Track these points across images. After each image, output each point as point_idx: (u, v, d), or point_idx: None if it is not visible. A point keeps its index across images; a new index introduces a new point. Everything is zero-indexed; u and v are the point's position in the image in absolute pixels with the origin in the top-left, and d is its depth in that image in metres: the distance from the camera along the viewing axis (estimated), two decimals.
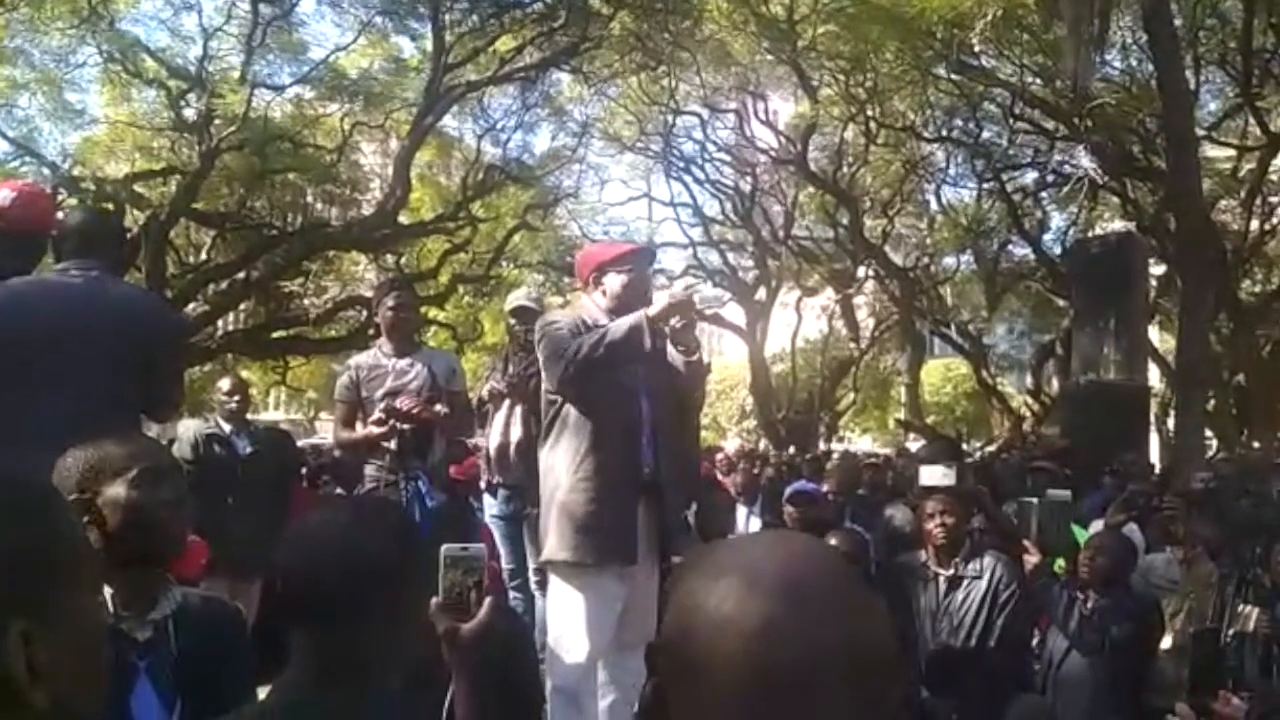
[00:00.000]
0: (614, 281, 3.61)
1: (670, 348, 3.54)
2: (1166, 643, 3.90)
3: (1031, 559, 3.98)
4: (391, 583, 1.51)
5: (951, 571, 3.91)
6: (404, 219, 17.70)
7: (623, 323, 3.41)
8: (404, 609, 1.54)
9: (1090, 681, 3.69)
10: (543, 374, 3.55)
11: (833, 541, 3.46)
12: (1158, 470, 9.01)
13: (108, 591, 1.88)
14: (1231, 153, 17.60)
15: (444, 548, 1.58)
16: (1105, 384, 10.89)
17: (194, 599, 2.06)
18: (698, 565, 0.88)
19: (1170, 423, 19.52)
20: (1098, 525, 4.74)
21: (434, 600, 1.55)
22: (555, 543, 3.46)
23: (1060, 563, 4.19)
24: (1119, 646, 3.68)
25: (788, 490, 5.77)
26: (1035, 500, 4.21)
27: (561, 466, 3.47)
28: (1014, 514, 4.26)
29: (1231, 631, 3.39)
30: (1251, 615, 3.00)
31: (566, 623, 3.45)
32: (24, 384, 2.81)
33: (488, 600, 1.57)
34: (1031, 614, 3.92)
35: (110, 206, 11.84)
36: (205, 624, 2.01)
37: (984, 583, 3.82)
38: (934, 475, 4.00)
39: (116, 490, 1.91)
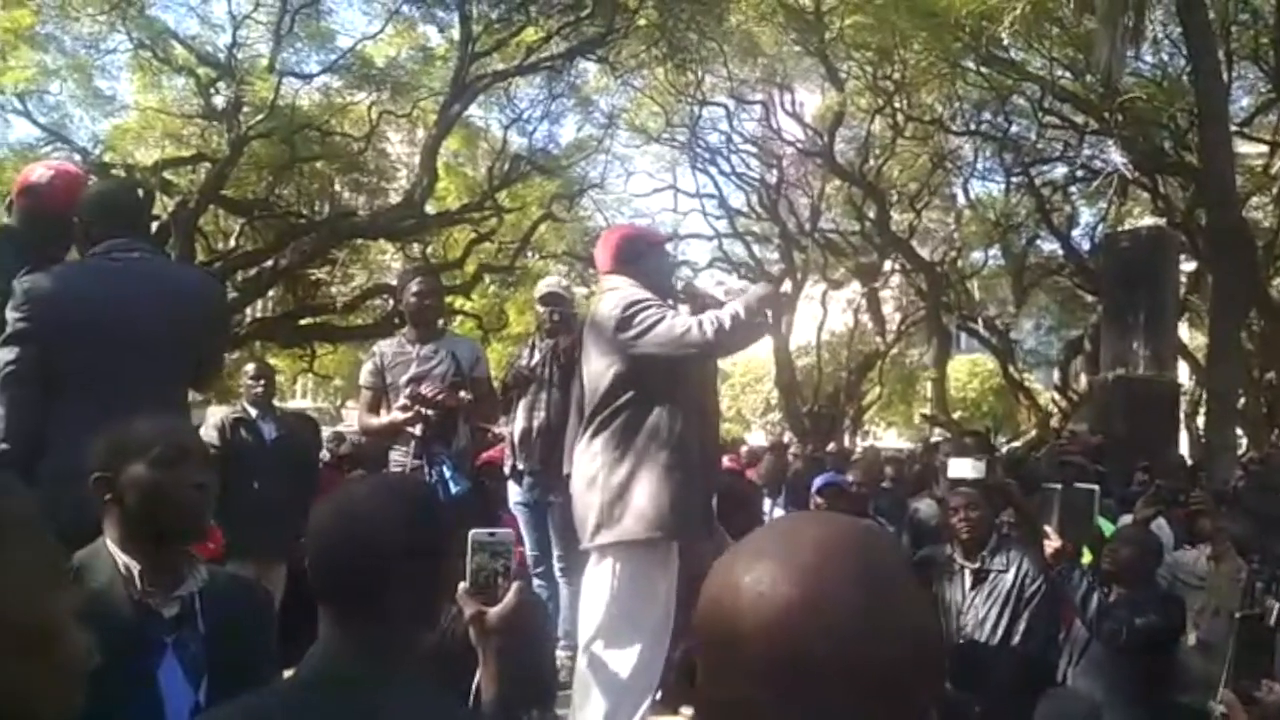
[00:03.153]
0: (645, 265, 3.59)
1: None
2: (1191, 639, 3.86)
3: (1052, 544, 3.93)
4: (420, 560, 1.50)
5: (978, 565, 3.89)
6: (430, 208, 17.74)
7: (750, 301, 3.40)
8: (432, 588, 1.53)
9: (1110, 674, 3.66)
10: (655, 344, 3.35)
11: None
12: (1190, 467, 8.92)
13: (135, 568, 1.89)
14: (1263, 149, 17.38)
15: (471, 532, 1.58)
16: (1135, 380, 10.81)
17: (221, 577, 2.07)
18: (741, 547, 0.88)
19: (1200, 420, 19.39)
20: (1126, 519, 4.69)
21: (461, 584, 1.55)
22: (643, 520, 3.35)
23: (1086, 555, 4.15)
24: (1139, 639, 3.64)
25: (816, 481, 5.74)
26: (1058, 487, 4.17)
27: (634, 451, 3.40)
28: (1037, 502, 4.22)
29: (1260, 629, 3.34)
30: (1274, 609, 2.96)
31: (626, 604, 3.38)
32: (91, 375, 2.77)
33: (515, 585, 1.57)
34: (1055, 606, 3.88)
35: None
36: (232, 602, 2.02)
37: (1010, 576, 3.79)
38: (963, 468, 3.97)
39: (137, 469, 1.92)
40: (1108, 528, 4.52)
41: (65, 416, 2.66)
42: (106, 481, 1.93)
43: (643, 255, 3.62)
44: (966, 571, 3.90)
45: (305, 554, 1.56)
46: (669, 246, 3.78)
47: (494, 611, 1.54)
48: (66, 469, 2.08)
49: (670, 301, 3.56)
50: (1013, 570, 3.81)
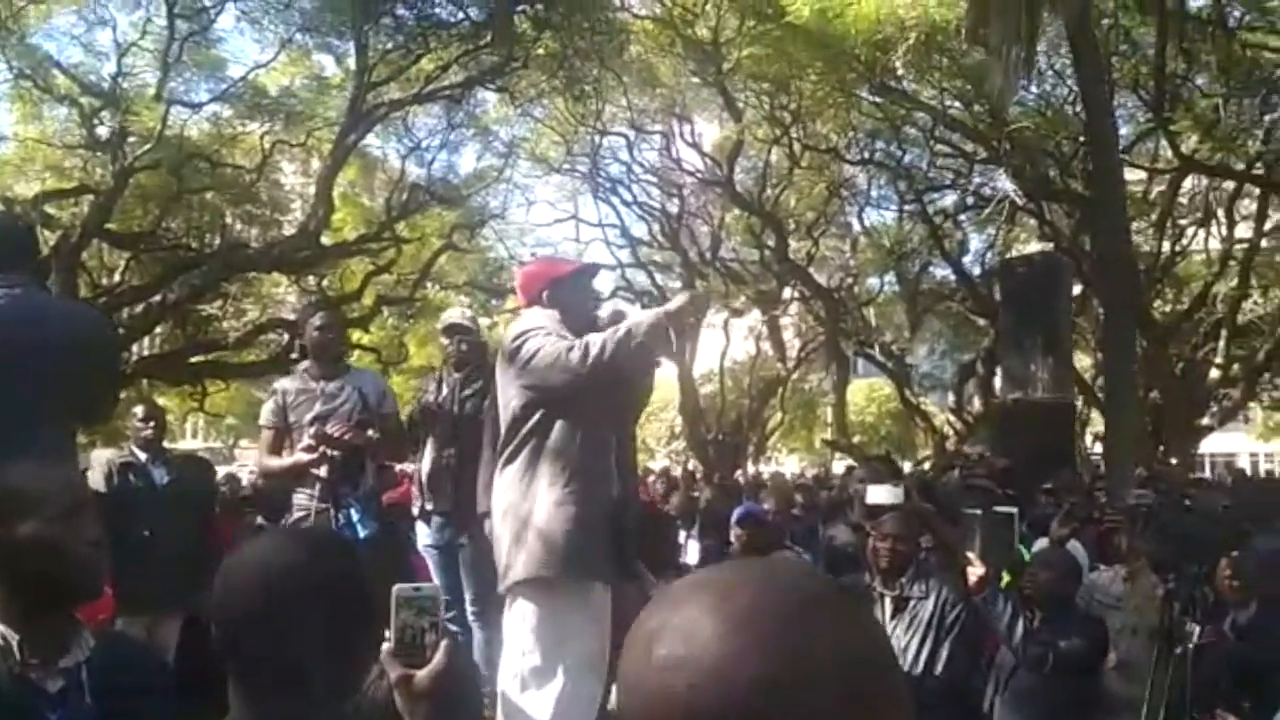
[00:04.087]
0: (565, 298, 3.50)
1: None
2: (1112, 659, 3.91)
3: (975, 571, 3.95)
4: (339, 623, 1.37)
5: (897, 593, 3.86)
6: (326, 240, 17.36)
7: (641, 321, 3.26)
8: (353, 653, 1.40)
9: (1037, 699, 3.67)
10: (540, 375, 3.27)
11: None
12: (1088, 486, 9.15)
13: (14, 638, 1.70)
14: (1142, 176, 18.15)
15: (396, 588, 1.46)
16: (1033, 402, 11.07)
17: (109, 642, 1.88)
18: (658, 602, 0.78)
19: (1088, 439, 20.06)
20: (1042, 543, 4.75)
21: (385, 645, 1.43)
22: (534, 560, 3.25)
23: (1006, 578, 4.17)
24: (1065, 663, 3.66)
25: (737, 512, 5.69)
26: (979, 512, 4.19)
27: (536, 481, 3.30)
28: (961, 529, 4.23)
29: (1179, 650, 3.40)
30: (1194, 632, 3.00)
31: (539, 648, 3.25)
32: None
33: (443, 643, 1.45)
34: (979, 633, 3.89)
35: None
36: (122, 669, 1.83)
37: (930, 604, 3.77)
38: (881, 494, 3.96)
39: (28, 526, 1.73)
40: (1026, 553, 4.57)
41: None
42: None
43: (552, 288, 3.54)
44: (886, 599, 3.87)
45: (205, 607, 1.42)
46: (584, 274, 3.68)
47: (422, 674, 1.41)
48: None
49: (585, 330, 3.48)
50: (933, 597, 3.79)
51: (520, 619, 3.33)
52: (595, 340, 3.22)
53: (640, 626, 0.75)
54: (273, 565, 1.42)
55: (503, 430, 3.43)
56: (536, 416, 3.33)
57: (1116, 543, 4.05)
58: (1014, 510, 4.23)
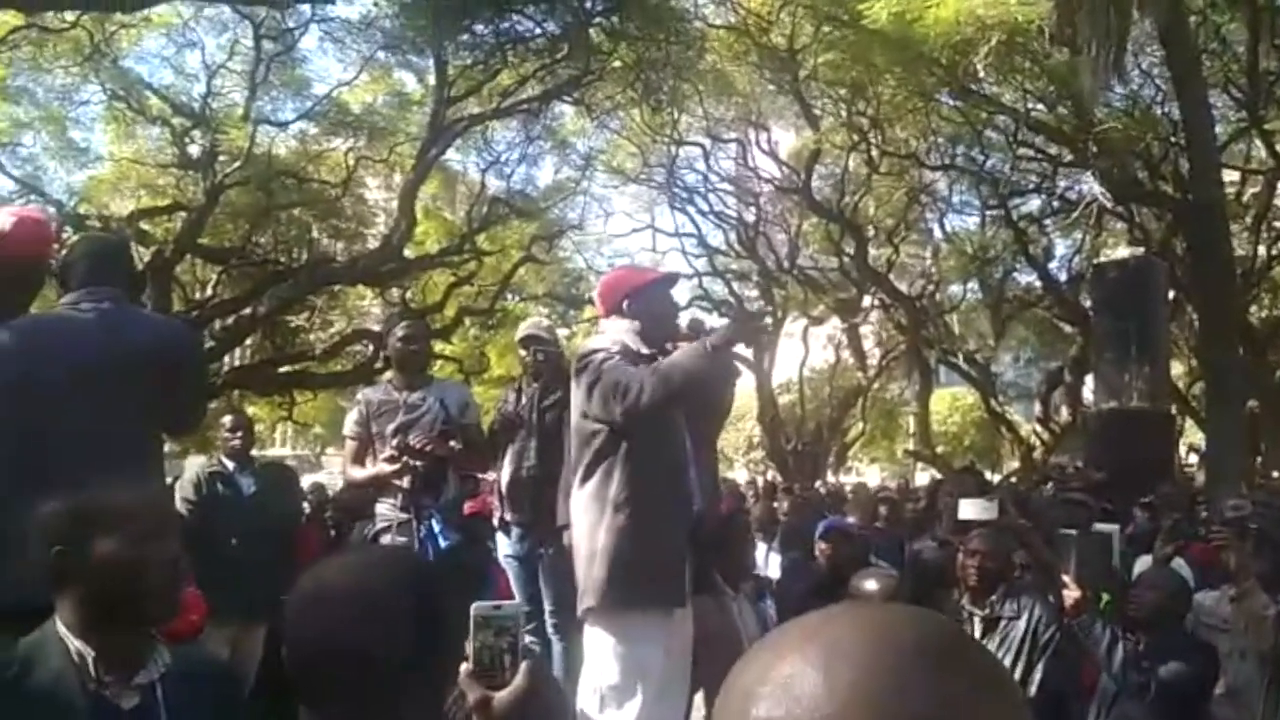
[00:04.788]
0: (644, 308, 3.45)
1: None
2: (1220, 686, 3.71)
3: (1072, 594, 3.79)
4: (416, 652, 1.33)
5: (988, 612, 3.73)
6: (409, 253, 17.64)
7: (685, 356, 3.21)
8: (430, 681, 1.36)
9: None
10: (598, 405, 3.26)
11: (869, 585, 3.27)
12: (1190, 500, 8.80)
13: (89, 654, 1.70)
14: (1235, 177, 17.53)
15: (474, 606, 1.42)
16: (1129, 411, 10.71)
17: (184, 659, 1.86)
18: (757, 654, 0.71)
19: (1181, 450, 19.40)
20: (1146, 561, 4.54)
21: (464, 666, 1.39)
22: (601, 589, 3.22)
23: (1105, 599, 4.00)
24: (1168, 689, 3.48)
25: (822, 525, 5.58)
26: (1074, 532, 4.03)
27: (605, 505, 3.26)
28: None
29: None
30: None
31: (611, 674, 3.22)
32: (43, 431, 2.61)
33: (524, 664, 1.40)
34: (1075, 657, 3.73)
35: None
36: (197, 688, 1.82)
37: (1022, 624, 3.63)
38: (973, 509, 3.83)
39: (108, 544, 1.73)
40: (1124, 572, 4.38)
41: (19, 474, 2.46)
42: (68, 557, 1.74)
43: (632, 298, 3.50)
44: (976, 619, 3.74)
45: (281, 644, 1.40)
46: (664, 283, 3.62)
47: (501, 696, 1.37)
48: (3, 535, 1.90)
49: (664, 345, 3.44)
50: (1024, 617, 3.64)
51: (596, 643, 3.31)
52: (648, 381, 3.16)
53: (737, 680, 0.69)
54: (343, 591, 1.39)
55: (575, 448, 3.41)
56: (604, 435, 3.30)
57: (1224, 559, 3.84)
58: (1114, 528, 4.04)
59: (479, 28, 14.89)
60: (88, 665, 1.71)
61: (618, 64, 15.63)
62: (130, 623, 1.76)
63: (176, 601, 1.86)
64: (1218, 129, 16.71)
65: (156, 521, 1.80)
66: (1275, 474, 15.89)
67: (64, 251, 3.04)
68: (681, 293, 23.74)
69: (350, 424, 4.44)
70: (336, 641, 1.33)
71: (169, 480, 5.45)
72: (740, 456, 31.08)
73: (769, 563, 6.23)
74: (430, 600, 1.41)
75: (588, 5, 14.66)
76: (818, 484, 16.00)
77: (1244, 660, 3.78)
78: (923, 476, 23.05)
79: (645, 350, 3.39)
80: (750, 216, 21.69)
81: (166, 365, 2.87)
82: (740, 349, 3.33)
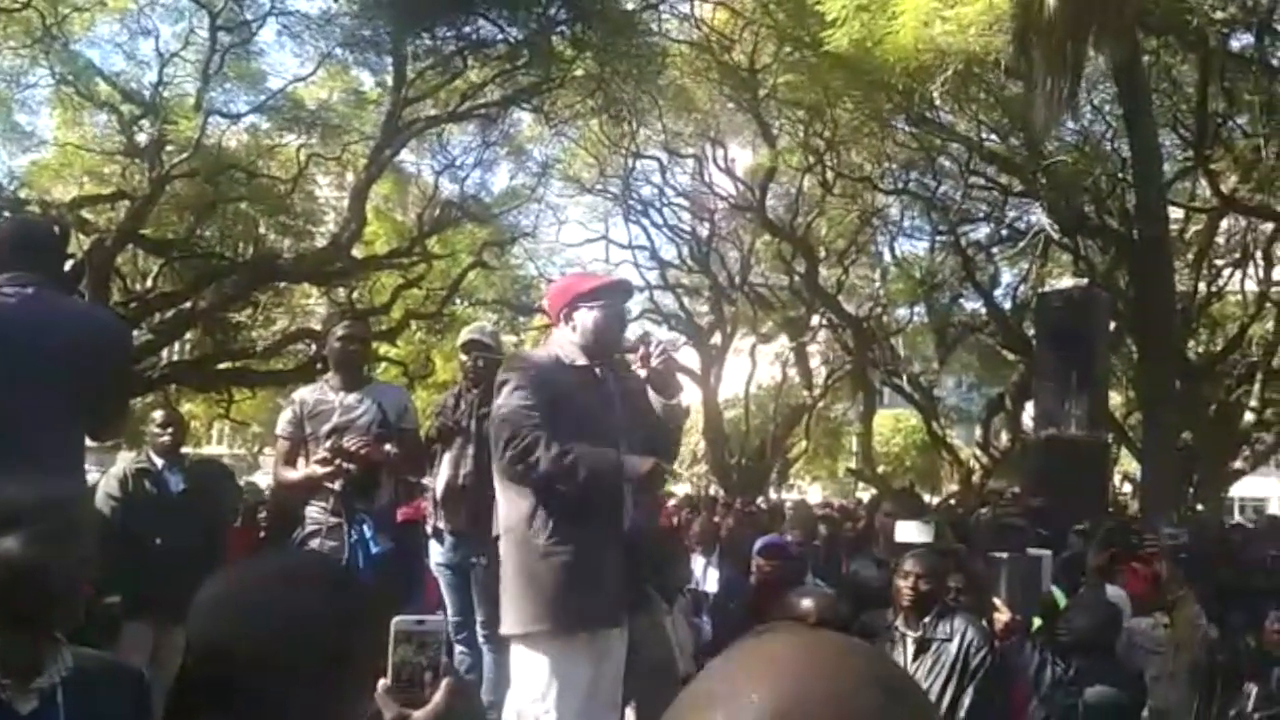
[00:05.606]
0: (587, 317, 3.35)
1: (650, 390, 3.34)
2: (1147, 711, 3.74)
3: (1002, 617, 3.81)
4: (330, 665, 1.27)
5: (921, 633, 3.73)
6: (358, 253, 17.45)
7: (600, 465, 3.13)
8: (343, 695, 1.30)
9: None
10: (494, 444, 3.23)
11: (805, 603, 3.26)
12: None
13: None
14: (1179, 214, 17.92)
15: (395, 621, 1.36)
16: (1067, 439, 10.85)
17: (89, 661, 1.77)
18: (708, 677, 0.69)
19: (1115, 479, 19.74)
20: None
21: (382, 681, 1.33)
22: (525, 613, 3.15)
23: (1037, 623, 4.02)
24: (1095, 713, 3.51)
25: (760, 542, 5.57)
26: (1004, 556, 4.05)
27: (528, 525, 3.17)
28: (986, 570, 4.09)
29: (1233, 712, 3.24)
30: (1251, 694, 2.84)
31: (534, 697, 3.15)
32: None
33: (445, 682, 1.35)
34: (1004, 680, 3.74)
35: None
36: (101, 693, 1.73)
37: (954, 646, 3.63)
38: (911, 531, 3.83)
39: (9, 544, 1.64)
40: (1060, 596, 4.41)
41: None
42: None
43: (574, 306, 3.39)
44: (909, 639, 3.74)
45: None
46: (608, 291, 3.50)
47: (419, 715, 1.32)
48: None
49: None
50: (957, 639, 3.64)
51: (518, 664, 3.24)
52: (547, 461, 3.09)
53: (690, 702, 0.67)
54: (253, 594, 1.32)
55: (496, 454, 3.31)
56: None
57: (1158, 573, 3.86)
58: (1046, 552, 4.07)
59: (440, 29, 14.81)
60: None
61: (579, 73, 15.62)
62: (27, 626, 1.67)
63: (79, 606, 1.76)
64: (1165, 167, 17.12)
65: (61, 522, 1.70)
66: (1200, 505, 16.27)
67: None
68: (633, 305, 23.78)
69: (283, 423, 4.33)
70: (239, 647, 1.26)
71: (98, 474, 5.32)
72: (684, 470, 31.11)
73: (707, 577, 6.20)
74: (346, 610, 1.34)
75: (551, 13, 14.64)
76: (759, 500, 16.04)
77: (1173, 682, 3.82)
78: (864, 495, 23.22)
79: (581, 361, 3.32)
80: (704, 231, 21.79)
81: (92, 358, 2.76)
82: (653, 365, 3.28)
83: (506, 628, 3.24)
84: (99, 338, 2.88)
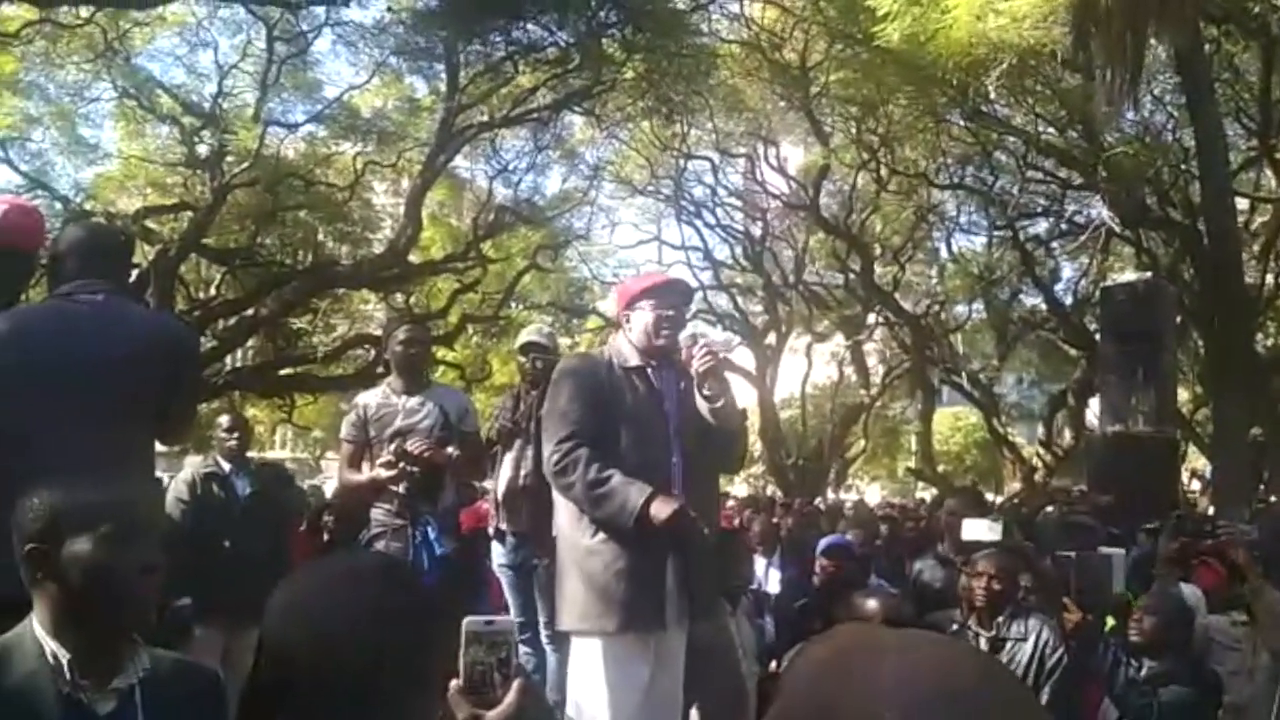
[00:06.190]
0: (640, 316, 3.35)
1: (697, 394, 3.32)
2: (1227, 702, 3.64)
3: (1072, 617, 3.73)
4: (401, 665, 1.27)
5: (994, 634, 3.66)
6: (414, 258, 17.63)
7: (615, 499, 3.10)
8: (415, 697, 1.30)
9: None
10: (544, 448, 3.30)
11: (871, 604, 3.22)
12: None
13: (64, 656, 1.64)
14: (1244, 205, 17.49)
15: (466, 621, 1.36)
16: (1133, 435, 10.59)
17: (166, 662, 1.80)
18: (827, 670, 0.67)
19: (1184, 476, 19.30)
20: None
21: (453, 683, 1.34)
22: (575, 610, 3.18)
23: (1110, 622, 3.93)
24: (1170, 713, 3.42)
25: (824, 543, 5.53)
26: (1073, 555, 3.96)
27: (576, 522, 3.19)
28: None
29: None
30: None
31: (590, 696, 3.15)
32: (31, 424, 2.54)
33: (516, 683, 1.35)
34: (1078, 680, 3.66)
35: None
36: (178, 693, 1.75)
37: (1029, 646, 3.56)
38: (979, 530, 3.76)
39: (80, 546, 1.67)
40: (1130, 595, 4.31)
41: (9, 470, 2.41)
42: (41, 555, 1.68)
43: (633, 307, 3.41)
44: (982, 640, 3.67)
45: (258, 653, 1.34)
46: (657, 291, 3.44)
47: (491, 715, 1.32)
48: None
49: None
50: (1031, 639, 3.57)
51: (575, 662, 3.26)
52: (582, 486, 3.12)
53: (808, 691, 0.65)
54: (326, 597, 1.32)
55: None
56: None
57: (1234, 563, 3.73)
58: (1119, 551, 3.98)
59: (492, 35, 14.92)
60: (62, 667, 1.65)
61: (629, 75, 15.63)
62: (99, 626, 1.70)
63: (149, 610, 1.78)
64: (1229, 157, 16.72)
65: (132, 524, 1.73)
66: (1273, 499, 15.82)
67: (54, 241, 2.93)
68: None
69: (347, 427, 4.38)
70: (316, 649, 1.27)
71: (166, 479, 5.42)
72: (741, 471, 31.01)
73: (768, 578, 6.16)
74: (417, 611, 1.35)
75: (601, 16, 14.67)
76: (817, 500, 15.93)
77: (1251, 678, 3.71)
78: (924, 495, 22.97)
79: (634, 362, 3.32)
80: (757, 231, 21.70)
81: (162, 364, 2.79)
82: (746, 363, 3.24)
83: (558, 623, 3.31)
84: (169, 344, 2.91)
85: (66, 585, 1.67)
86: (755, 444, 25.44)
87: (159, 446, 3.26)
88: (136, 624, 1.76)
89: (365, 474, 4.21)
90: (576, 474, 3.12)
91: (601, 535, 3.15)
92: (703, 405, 3.30)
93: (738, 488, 25.27)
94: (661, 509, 3.07)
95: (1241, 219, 17.55)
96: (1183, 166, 15.96)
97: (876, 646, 0.68)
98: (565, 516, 3.27)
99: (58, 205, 15.32)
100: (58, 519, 1.69)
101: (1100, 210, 17.22)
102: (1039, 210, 19.50)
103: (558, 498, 3.33)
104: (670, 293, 3.48)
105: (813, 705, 0.64)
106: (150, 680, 1.71)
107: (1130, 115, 16.11)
